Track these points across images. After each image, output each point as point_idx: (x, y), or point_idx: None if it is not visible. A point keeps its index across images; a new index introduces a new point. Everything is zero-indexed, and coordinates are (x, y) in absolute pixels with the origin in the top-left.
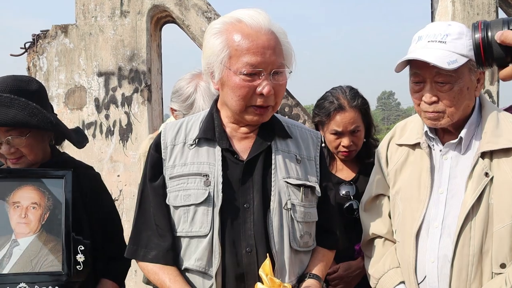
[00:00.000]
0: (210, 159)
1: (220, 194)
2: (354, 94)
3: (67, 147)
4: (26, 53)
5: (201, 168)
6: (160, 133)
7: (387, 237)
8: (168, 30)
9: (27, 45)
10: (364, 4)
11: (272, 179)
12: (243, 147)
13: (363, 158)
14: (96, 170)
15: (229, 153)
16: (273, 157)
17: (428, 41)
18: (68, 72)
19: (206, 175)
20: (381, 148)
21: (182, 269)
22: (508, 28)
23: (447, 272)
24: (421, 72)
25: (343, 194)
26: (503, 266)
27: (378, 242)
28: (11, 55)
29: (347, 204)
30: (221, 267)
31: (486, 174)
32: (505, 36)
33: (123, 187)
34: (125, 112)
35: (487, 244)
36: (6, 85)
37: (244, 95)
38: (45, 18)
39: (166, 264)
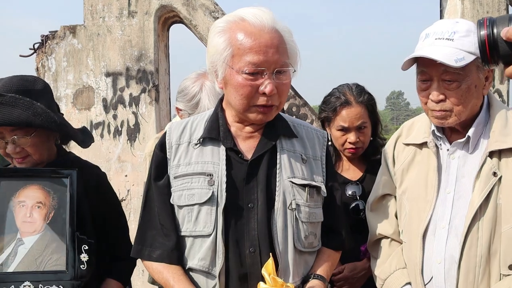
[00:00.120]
0: (215, 158)
1: (224, 194)
2: (360, 90)
3: (75, 147)
4: (35, 54)
5: (205, 168)
6: (165, 132)
7: (394, 238)
8: (176, 30)
9: (36, 46)
10: (365, 4)
11: (277, 179)
12: (247, 147)
13: (370, 157)
14: (104, 170)
15: (233, 153)
16: (278, 156)
17: (435, 39)
18: (76, 73)
19: (210, 175)
20: (388, 148)
21: (186, 268)
22: None
23: (454, 273)
24: (428, 70)
25: (349, 194)
26: (511, 267)
27: (384, 243)
28: (21, 56)
29: (353, 205)
30: (225, 267)
31: (494, 174)
32: (511, 33)
33: (131, 187)
34: (133, 112)
35: (495, 245)
36: (12, 85)
37: (246, 94)
38: (54, 19)
39: (171, 263)
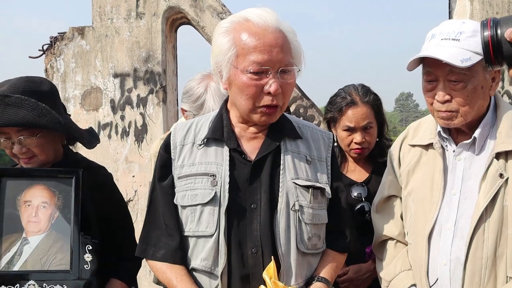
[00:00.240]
0: (218, 159)
1: (227, 194)
2: (366, 90)
3: (82, 148)
4: (44, 55)
5: (209, 168)
6: (170, 133)
7: (399, 239)
8: (184, 32)
9: (45, 47)
10: (366, 3)
11: (280, 180)
12: (251, 147)
13: (376, 158)
14: (111, 171)
15: (237, 153)
16: (281, 157)
17: (442, 39)
18: (85, 74)
19: (213, 175)
20: (393, 149)
21: (190, 268)
22: None
23: (460, 275)
24: (433, 71)
25: (354, 196)
26: None
27: (389, 244)
28: (30, 57)
29: (358, 206)
30: (227, 268)
31: (501, 175)
32: None
33: (138, 188)
34: (140, 113)
35: (501, 247)
36: (19, 86)
37: (252, 94)
38: (63, 20)
39: (174, 263)
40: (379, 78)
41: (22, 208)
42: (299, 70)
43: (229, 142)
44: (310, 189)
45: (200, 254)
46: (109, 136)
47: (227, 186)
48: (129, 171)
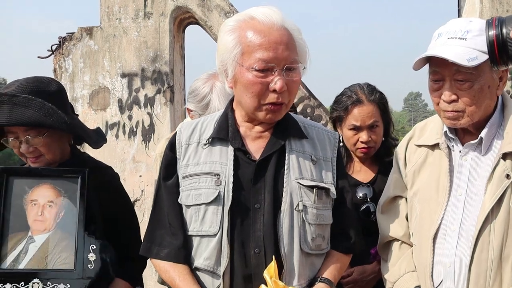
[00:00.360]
0: (223, 158)
1: (230, 194)
2: (372, 89)
3: (90, 147)
4: (52, 55)
5: (213, 168)
6: (175, 133)
7: (404, 240)
8: (192, 32)
9: (53, 48)
10: (370, 1)
11: (284, 180)
12: (256, 147)
13: (382, 158)
14: (119, 170)
15: (241, 153)
16: (286, 157)
17: (448, 38)
18: (93, 74)
19: (218, 175)
20: (399, 149)
21: (193, 268)
22: None
23: (464, 277)
24: (440, 70)
25: (360, 197)
26: None
27: (394, 245)
28: (39, 57)
29: (363, 207)
30: (229, 267)
31: (507, 176)
32: None
33: (145, 187)
34: (148, 113)
35: (507, 249)
36: (27, 86)
37: (257, 91)
38: (72, 20)
39: (178, 262)
40: (385, 77)
41: (28, 207)
42: (305, 68)
43: (234, 142)
44: (314, 189)
45: (203, 254)
46: (117, 136)
47: (231, 186)
48: (136, 171)
